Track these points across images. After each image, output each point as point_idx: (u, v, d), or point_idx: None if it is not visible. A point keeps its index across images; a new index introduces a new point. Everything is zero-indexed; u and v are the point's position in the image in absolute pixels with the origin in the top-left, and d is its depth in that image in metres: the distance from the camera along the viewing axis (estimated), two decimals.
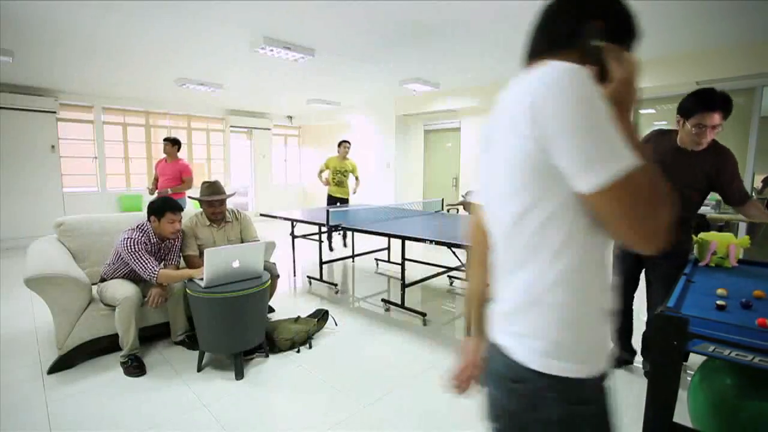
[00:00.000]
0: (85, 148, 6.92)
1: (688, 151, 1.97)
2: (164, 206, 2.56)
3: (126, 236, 2.51)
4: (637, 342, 2.53)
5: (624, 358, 2.49)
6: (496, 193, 0.76)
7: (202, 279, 2.34)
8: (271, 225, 6.92)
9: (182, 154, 5.06)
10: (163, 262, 2.69)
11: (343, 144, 5.77)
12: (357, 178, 5.92)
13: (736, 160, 1.97)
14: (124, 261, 2.54)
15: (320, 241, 4.39)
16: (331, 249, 5.72)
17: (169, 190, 4.61)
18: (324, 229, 3.93)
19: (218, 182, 2.88)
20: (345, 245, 5.83)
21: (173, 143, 4.83)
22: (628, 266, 2.30)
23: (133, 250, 2.46)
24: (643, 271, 2.33)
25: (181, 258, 2.81)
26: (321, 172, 5.77)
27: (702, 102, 1.81)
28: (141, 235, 2.55)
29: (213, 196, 2.79)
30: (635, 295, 2.43)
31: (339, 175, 5.75)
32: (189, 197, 3.13)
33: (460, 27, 3.56)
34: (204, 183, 2.86)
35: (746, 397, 1.38)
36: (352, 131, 8.39)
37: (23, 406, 2.07)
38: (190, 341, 2.70)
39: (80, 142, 6.89)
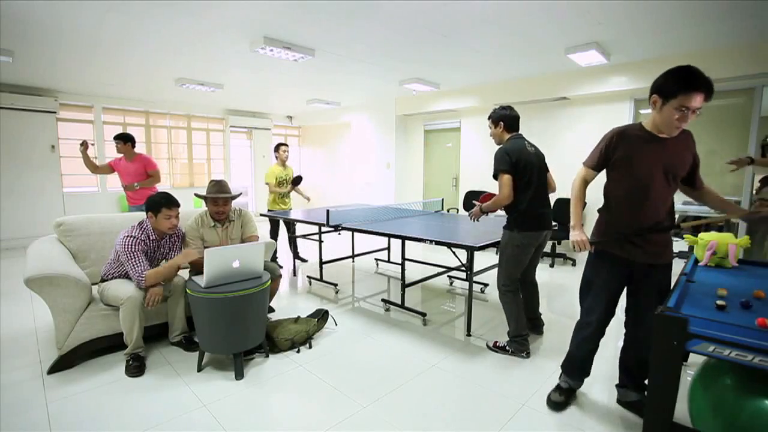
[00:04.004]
0: None
1: (660, 139, 1.74)
2: (160, 201, 2.56)
3: (125, 234, 2.51)
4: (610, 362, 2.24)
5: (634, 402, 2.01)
6: None
7: (201, 276, 2.34)
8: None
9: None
10: (163, 261, 2.69)
11: (282, 147, 4.95)
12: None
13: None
14: None
15: (320, 241, 4.38)
16: (302, 260, 5.14)
17: (136, 184, 4.29)
18: (324, 229, 3.92)
19: (225, 181, 2.86)
20: (297, 257, 5.09)
21: (125, 140, 4.24)
22: (618, 280, 1.93)
23: (130, 248, 2.46)
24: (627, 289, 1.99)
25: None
26: (273, 185, 4.89)
27: (687, 82, 1.55)
28: (140, 233, 2.55)
29: (219, 194, 2.78)
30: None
31: (285, 186, 4.92)
32: (195, 194, 3.09)
33: (461, 27, 3.56)
34: (211, 181, 2.85)
35: (746, 397, 1.38)
36: (352, 131, 8.40)
37: (23, 406, 2.07)
38: (187, 342, 2.70)
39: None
